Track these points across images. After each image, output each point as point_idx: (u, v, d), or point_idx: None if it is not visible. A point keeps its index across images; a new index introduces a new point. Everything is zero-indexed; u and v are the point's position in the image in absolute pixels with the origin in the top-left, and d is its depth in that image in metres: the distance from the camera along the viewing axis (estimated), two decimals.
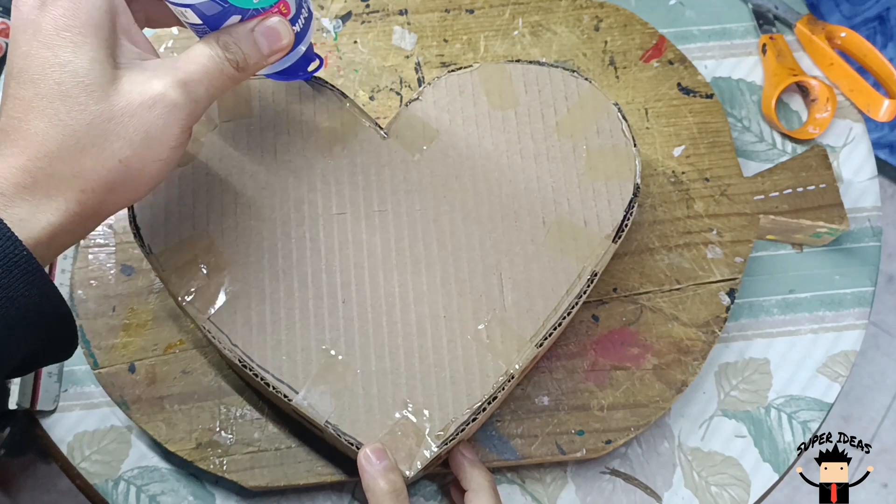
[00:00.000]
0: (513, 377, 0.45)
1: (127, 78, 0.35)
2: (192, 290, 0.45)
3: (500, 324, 0.46)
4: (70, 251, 0.53)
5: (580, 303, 0.47)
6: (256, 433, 0.49)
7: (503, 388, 0.45)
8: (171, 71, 0.36)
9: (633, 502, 0.51)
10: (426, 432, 0.44)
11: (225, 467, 0.48)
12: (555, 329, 0.46)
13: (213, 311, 0.45)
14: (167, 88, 0.35)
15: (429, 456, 0.43)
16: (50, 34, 0.34)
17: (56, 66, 0.33)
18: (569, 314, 0.46)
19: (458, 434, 0.43)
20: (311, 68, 0.46)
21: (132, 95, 0.35)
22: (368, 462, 0.42)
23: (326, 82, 0.51)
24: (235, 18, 0.38)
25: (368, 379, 0.45)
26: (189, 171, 0.48)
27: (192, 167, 0.48)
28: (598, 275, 0.47)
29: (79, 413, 0.52)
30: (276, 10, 0.39)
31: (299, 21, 0.41)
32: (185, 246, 0.46)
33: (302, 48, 0.43)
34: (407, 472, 0.43)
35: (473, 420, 0.44)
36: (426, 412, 0.44)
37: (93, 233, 0.53)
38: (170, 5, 0.37)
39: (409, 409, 0.44)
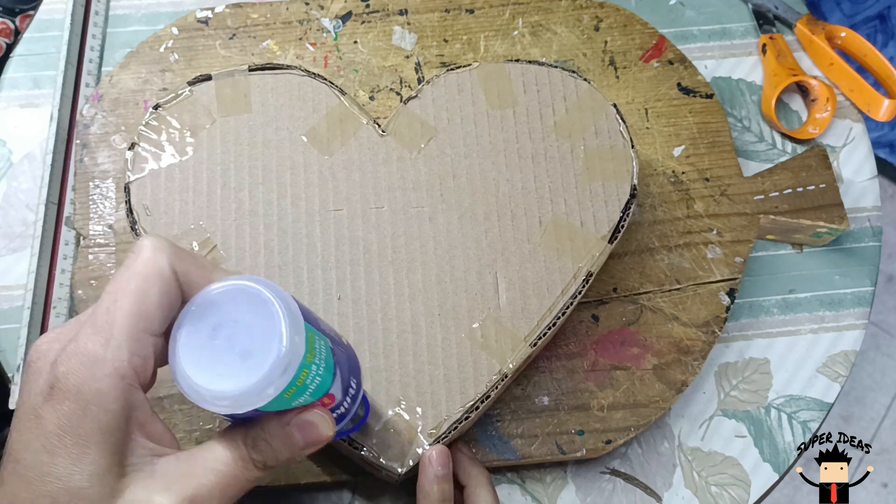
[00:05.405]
0: (506, 376, 0.45)
1: (130, 490, 0.31)
2: None
3: (494, 323, 0.46)
4: (70, 251, 0.54)
5: (575, 303, 0.47)
6: None
7: (497, 387, 0.45)
8: (179, 482, 0.31)
9: (633, 502, 0.51)
10: (419, 430, 0.44)
11: None
12: (549, 329, 0.46)
13: None
14: None
15: (421, 453, 0.43)
16: (51, 434, 0.30)
17: (52, 477, 0.30)
18: (563, 314, 0.46)
19: (450, 432, 0.43)
20: (349, 427, 0.40)
21: None
22: (430, 464, 0.42)
23: (326, 79, 0.52)
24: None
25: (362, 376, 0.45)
26: (186, 166, 0.48)
27: (189, 161, 0.48)
28: (594, 275, 0.47)
29: None
30: (320, 402, 0.33)
31: (345, 402, 0.36)
32: (181, 241, 0.47)
33: (349, 419, 0.38)
34: (399, 469, 0.43)
35: (466, 419, 0.44)
36: (419, 410, 0.44)
37: (93, 232, 0.53)
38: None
39: (403, 406, 0.44)
